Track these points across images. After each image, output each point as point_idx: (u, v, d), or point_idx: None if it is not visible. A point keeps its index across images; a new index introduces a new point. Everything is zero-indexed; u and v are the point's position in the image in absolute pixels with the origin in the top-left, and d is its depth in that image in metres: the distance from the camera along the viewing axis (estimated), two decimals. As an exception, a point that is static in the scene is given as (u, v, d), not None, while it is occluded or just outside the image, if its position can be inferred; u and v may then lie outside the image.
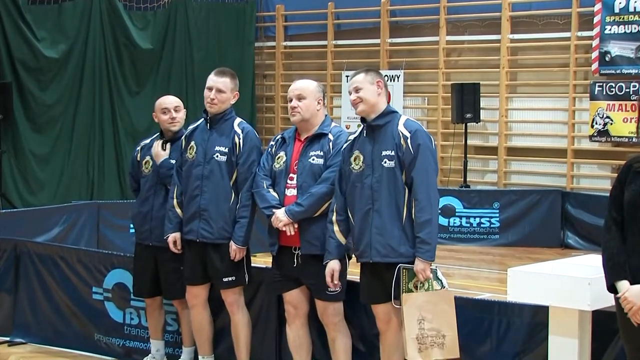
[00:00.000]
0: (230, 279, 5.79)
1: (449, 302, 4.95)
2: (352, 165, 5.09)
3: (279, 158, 5.48)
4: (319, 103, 5.45)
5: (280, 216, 5.30)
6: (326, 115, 5.53)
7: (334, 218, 5.19)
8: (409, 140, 4.94)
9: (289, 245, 5.40)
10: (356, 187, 5.06)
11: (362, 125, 5.17)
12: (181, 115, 6.17)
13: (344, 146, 5.24)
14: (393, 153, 4.96)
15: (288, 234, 5.33)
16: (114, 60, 13.61)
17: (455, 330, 4.92)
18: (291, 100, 5.44)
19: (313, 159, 5.36)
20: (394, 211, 4.94)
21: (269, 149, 5.60)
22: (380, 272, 5.01)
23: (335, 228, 5.17)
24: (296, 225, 5.31)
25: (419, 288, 4.90)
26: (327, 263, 5.19)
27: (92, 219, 10.00)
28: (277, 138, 5.63)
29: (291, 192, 5.38)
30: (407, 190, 4.95)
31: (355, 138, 5.19)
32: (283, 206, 5.35)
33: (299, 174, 5.37)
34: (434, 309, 4.89)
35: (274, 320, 5.99)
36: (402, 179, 4.95)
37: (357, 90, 5.08)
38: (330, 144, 5.36)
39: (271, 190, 5.46)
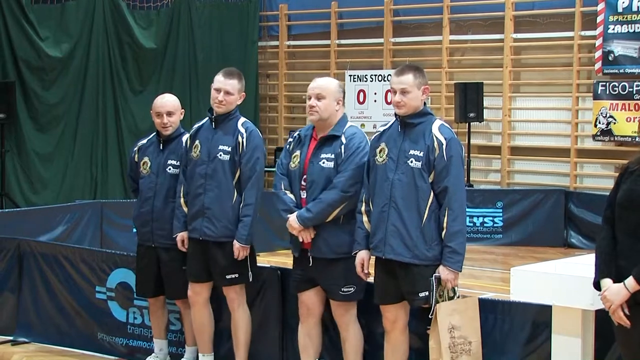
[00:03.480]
0: (233, 276, 5.81)
1: (475, 309, 4.98)
2: (377, 157, 5.07)
3: (294, 157, 5.44)
4: (338, 103, 5.38)
5: (293, 223, 5.30)
6: (344, 115, 5.46)
7: (362, 208, 5.16)
8: (443, 147, 4.90)
9: (306, 248, 5.40)
10: (378, 180, 5.03)
11: (394, 119, 5.12)
12: (174, 119, 6.13)
13: (373, 137, 5.20)
14: (422, 154, 4.92)
15: (303, 240, 5.33)
16: (118, 59, 13.61)
17: (480, 336, 4.95)
18: (310, 98, 5.37)
19: (324, 162, 5.31)
20: (414, 211, 4.91)
21: (287, 146, 5.56)
22: (393, 271, 5.00)
23: (364, 219, 5.14)
24: (312, 233, 5.29)
25: (441, 297, 4.92)
26: (356, 253, 5.16)
27: (95, 218, 10.01)
28: (295, 135, 5.58)
29: (305, 194, 5.36)
30: (432, 194, 4.91)
31: (385, 130, 5.15)
32: (300, 208, 5.33)
33: (309, 177, 5.34)
34: (461, 316, 4.90)
35: (278, 321, 5.99)
36: (429, 181, 4.92)
37: (404, 92, 4.98)
38: (342, 147, 5.29)
39: (288, 192, 5.43)
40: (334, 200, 5.22)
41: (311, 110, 5.36)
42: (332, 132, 5.35)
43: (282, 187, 5.45)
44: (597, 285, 4.14)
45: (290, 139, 5.60)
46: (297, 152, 5.44)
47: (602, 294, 4.04)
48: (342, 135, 5.34)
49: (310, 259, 5.35)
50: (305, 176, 5.36)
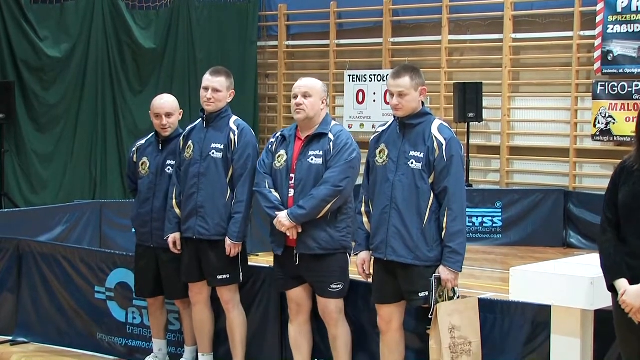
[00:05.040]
0: (224, 276, 5.82)
1: (475, 310, 4.99)
2: (377, 158, 5.07)
3: (279, 156, 5.46)
4: (323, 102, 5.43)
5: (283, 220, 5.29)
6: (327, 114, 5.50)
7: (362, 209, 5.17)
8: (443, 148, 4.90)
9: (291, 246, 5.40)
10: (378, 181, 5.04)
11: (393, 120, 5.13)
12: (173, 120, 6.13)
13: (372, 137, 5.21)
14: (422, 155, 4.92)
15: (292, 237, 5.33)
16: (117, 59, 13.61)
17: (480, 336, 4.95)
18: (296, 97, 5.40)
19: (312, 159, 5.34)
20: (414, 212, 4.91)
21: (269, 146, 5.58)
22: (393, 271, 5.01)
23: (365, 219, 5.16)
24: (299, 229, 5.31)
25: (440, 297, 4.93)
26: (357, 254, 5.19)
27: (94, 218, 10.01)
28: (276, 135, 5.60)
29: (293, 192, 5.37)
30: (432, 195, 4.92)
31: (383, 131, 5.15)
32: (285, 207, 5.34)
33: (297, 173, 5.36)
34: (461, 317, 4.91)
35: (277, 319, 5.99)
36: (429, 182, 4.92)
37: (401, 95, 4.98)
38: (331, 144, 5.32)
39: (273, 190, 5.44)
40: (327, 195, 5.23)
41: (298, 108, 5.39)
42: (320, 130, 5.39)
43: (267, 186, 5.45)
44: (611, 288, 4.10)
45: (272, 139, 5.60)
46: (282, 152, 5.46)
47: (621, 298, 4.00)
48: (330, 133, 5.37)
49: (297, 258, 5.35)
50: (292, 174, 5.37)
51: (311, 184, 5.30)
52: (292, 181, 5.38)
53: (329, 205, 5.24)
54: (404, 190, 4.93)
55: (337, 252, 5.32)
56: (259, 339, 6.04)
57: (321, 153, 5.33)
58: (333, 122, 5.48)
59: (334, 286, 5.34)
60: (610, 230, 4.11)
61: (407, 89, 4.98)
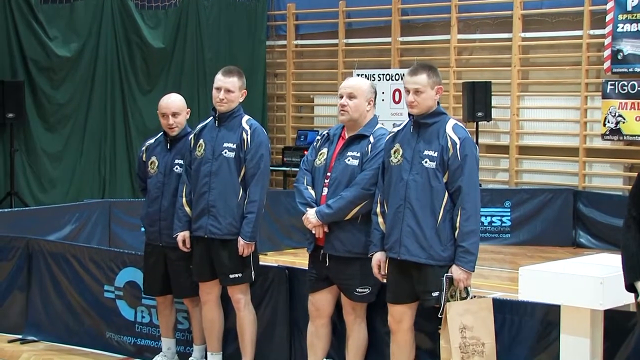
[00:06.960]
0: (236, 275, 5.82)
1: (489, 310, 4.96)
2: (392, 158, 5.05)
3: (321, 154, 5.44)
4: (369, 104, 5.39)
5: (310, 217, 5.29)
6: (375, 116, 5.46)
7: (377, 210, 5.14)
8: (457, 147, 4.89)
9: (321, 245, 5.39)
10: (393, 181, 5.02)
11: (408, 119, 5.12)
12: (180, 119, 6.12)
13: (387, 137, 5.19)
14: (436, 154, 4.91)
15: (317, 235, 5.32)
16: (126, 58, 13.62)
17: (494, 337, 4.92)
18: (342, 97, 5.36)
19: (349, 160, 5.31)
20: (429, 212, 4.90)
21: (315, 143, 5.57)
22: (408, 271, 4.99)
23: (380, 220, 5.13)
24: (326, 228, 5.28)
25: (453, 297, 4.91)
26: (372, 255, 5.15)
27: (104, 217, 10.03)
28: (323, 133, 5.58)
29: (326, 191, 5.35)
30: (446, 194, 4.90)
31: (399, 131, 5.13)
32: (318, 205, 5.33)
33: (333, 172, 5.34)
34: (474, 317, 4.89)
35: (286, 320, 6.00)
36: (443, 181, 4.91)
37: (417, 92, 4.98)
38: (369, 146, 5.29)
39: (310, 187, 5.42)
40: (355, 197, 5.20)
41: (342, 109, 5.35)
42: (362, 131, 5.35)
43: (305, 182, 5.45)
44: (630, 288, 4.06)
45: (318, 137, 5.60)
46: (324, 150, 5.44)
47: (638, 301, 3.97)
48: (371, 135, 5.33)
49: (327, 259, 5.34)
50: (328, 173, 5.36)
51: (344, 184, 5.27)
52: (328, 180, 5.36)
53: (357, 208, 5.22)
54: (417, 189, 4.92)
55: (366, 256, 5.25)
56: (268, 338, 6.04)
57: (358, 154, 5.30)
58: (378, 125, 5.43)
59: (359, 290, 5.32)
60: (635, 229, 4.04)
61: (423, 87, 4.98)
